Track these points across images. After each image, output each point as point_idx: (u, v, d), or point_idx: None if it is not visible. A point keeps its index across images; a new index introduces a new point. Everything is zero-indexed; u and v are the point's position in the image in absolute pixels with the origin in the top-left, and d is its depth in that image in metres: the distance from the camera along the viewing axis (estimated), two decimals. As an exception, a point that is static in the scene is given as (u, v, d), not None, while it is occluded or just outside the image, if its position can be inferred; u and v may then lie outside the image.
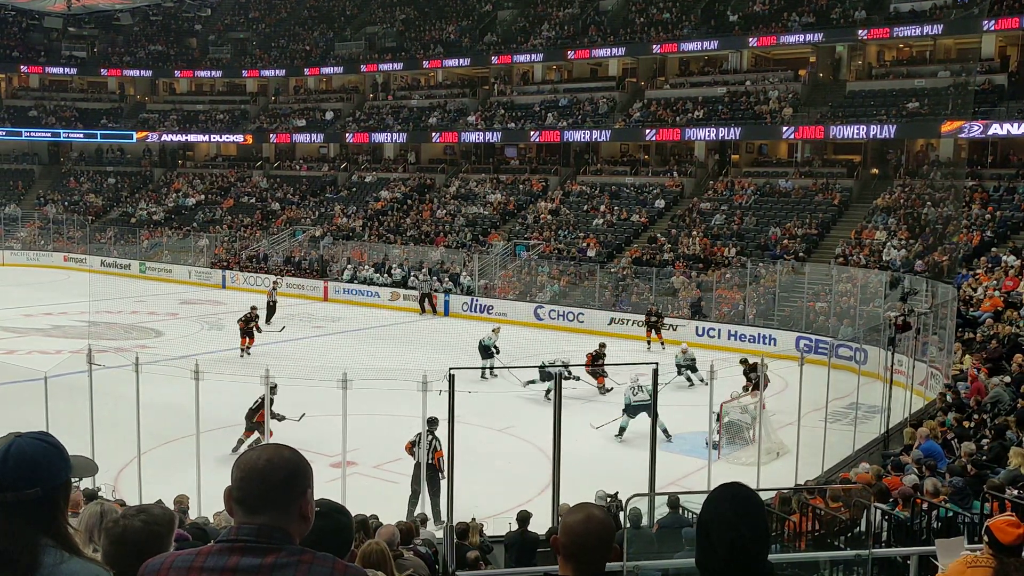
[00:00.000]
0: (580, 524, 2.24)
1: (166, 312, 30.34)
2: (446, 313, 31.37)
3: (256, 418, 14.56)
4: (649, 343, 25.73)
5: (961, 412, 14.23)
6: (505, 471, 14.50)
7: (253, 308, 24.49)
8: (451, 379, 9.55)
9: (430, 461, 11.77)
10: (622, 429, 16.58)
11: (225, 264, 38.20)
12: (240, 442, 14.62)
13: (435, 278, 32.18)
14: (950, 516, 7.50)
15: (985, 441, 12.22)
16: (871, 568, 5.01)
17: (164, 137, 51.09)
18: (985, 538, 3.59)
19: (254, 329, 24.05)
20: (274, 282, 31.35)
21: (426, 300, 31.24)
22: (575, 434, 15.37)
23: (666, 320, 26.41)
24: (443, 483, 10.59)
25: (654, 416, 12.13)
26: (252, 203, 44.82)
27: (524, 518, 9.61)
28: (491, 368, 20.25)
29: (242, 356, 23.13)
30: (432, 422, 11.51)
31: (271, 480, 2.03)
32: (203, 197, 46.88)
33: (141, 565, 2.13)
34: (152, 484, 11.78)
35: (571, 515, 2.26)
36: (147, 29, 55.67)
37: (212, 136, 50.44)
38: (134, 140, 51.50)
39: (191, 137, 51.05)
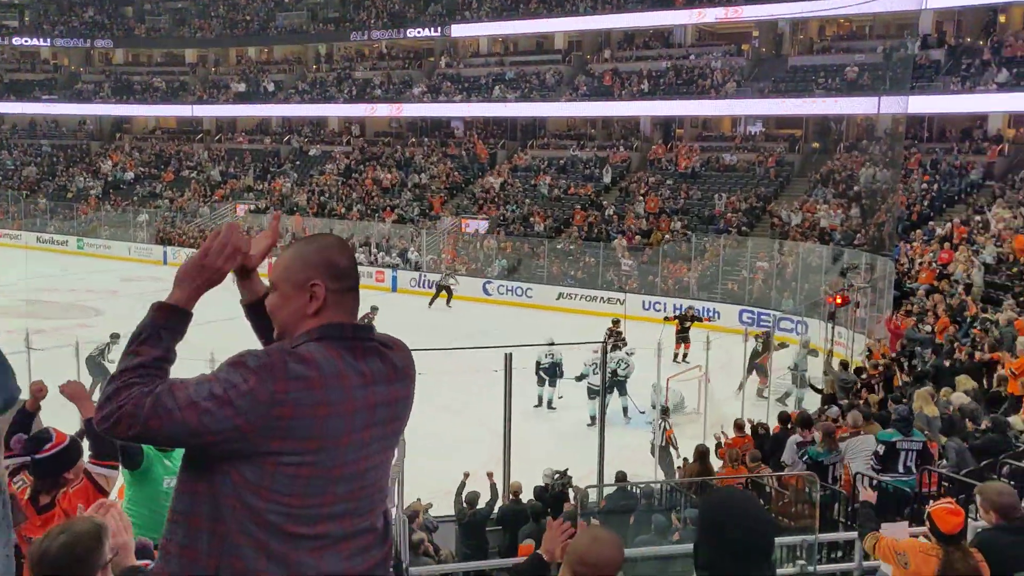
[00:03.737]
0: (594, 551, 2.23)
1: (106, 290, 29.72)
2: (393, 289, 31.22)
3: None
4: (676, 355, 20.50)
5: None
6: (454, 448, 14.54)
7: (374, 308, 21.84)
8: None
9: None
10: (593, 417, 16.27)
11: (167, 240, 37.50)
12: None
13: (453, 273, 29.22)
14: (890, 442, 7.64)
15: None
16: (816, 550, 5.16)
17: (100, 109, 49.77)
18: (927, 525, 3.72)
19: None
20: None
21: (445, 292, 28.07)
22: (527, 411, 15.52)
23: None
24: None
25: (602, 394, 12.25)
26: (193, 177, 43.99)
27: (472, 500, 9.68)
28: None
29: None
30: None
31: (344, 250, 2.15)
32: (142, 171, 45.88)
33: None
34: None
35: (580, 538, 2.25)
36: (81, -3, 54.09)
37: (150, 108, 49.27)
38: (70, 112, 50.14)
39: (128, 109, 49.80)
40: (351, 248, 2.15)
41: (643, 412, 16.11)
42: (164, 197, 42.24)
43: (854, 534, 5.66)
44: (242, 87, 47.03)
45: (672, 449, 13.43)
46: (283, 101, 45.65)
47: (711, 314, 25.19)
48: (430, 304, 27.52)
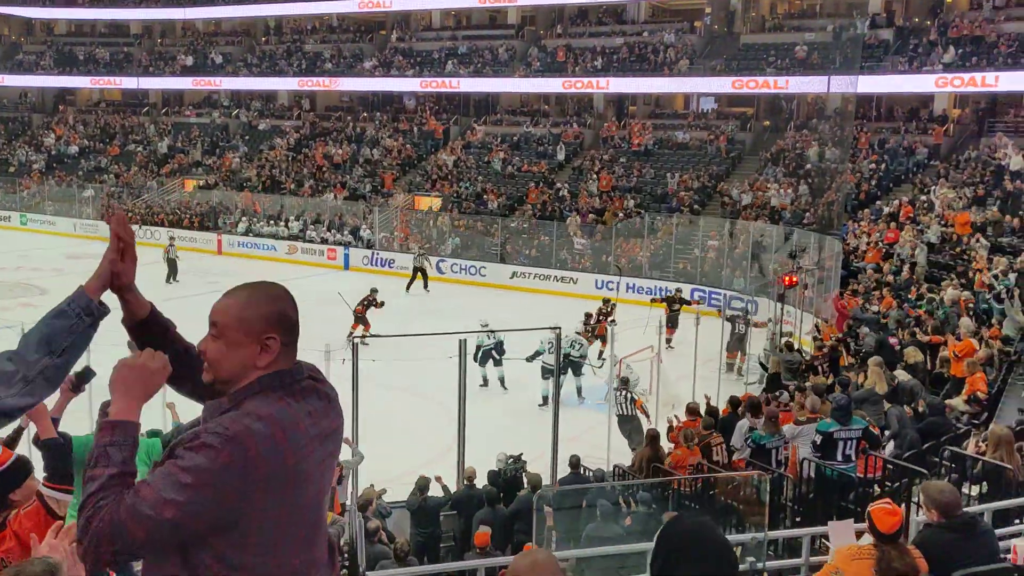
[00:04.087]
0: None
1: (51, 268, 29.06)
2: (346, 268, 31.01)
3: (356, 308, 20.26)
4: (669, 340, 19.45)
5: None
6: (407, 431, 14.55)
7: (374, 291, 21.70)
8: (355, 348, 9.50)
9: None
10: (545, 397, 16.37)
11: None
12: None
13: (425, 255, 28.52)
14: (827, 432, 7.84)
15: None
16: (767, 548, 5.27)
17: (42, 80, 48.48)
18: (866, 523, 3.82)
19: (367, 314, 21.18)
20: (171, 238, 30.07)
21: (421, 275, 27.15)
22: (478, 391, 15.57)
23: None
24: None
25: (556, 376, 12.33)
26: (139, 151, 43.12)
27: (423, 485, 9.70)
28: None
29: (363, 343, 20.09)
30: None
31: (293, 302, 2.14)
32: (87, 144, 44.87)
33: None
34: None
35: (519, 561, 2.25)
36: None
37: (94, 79, 48.08)
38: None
39: (72, 80, 48.56)
40: (271, 285, 2.18)
41: (602, 402, 16.24)
42: (110, 172, 41.36)
43: (802, 531, 5.80)
44: (189, 60, 46.10)
45: (644, 417, 13.74)
46: (232, 74, 44.84)
47: (664, 293, 25.42)
48: (408, 288, 26.59)
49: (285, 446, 1.96)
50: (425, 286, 26.83)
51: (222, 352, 2.10)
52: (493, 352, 17.30)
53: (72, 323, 2.11)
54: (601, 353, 18.33)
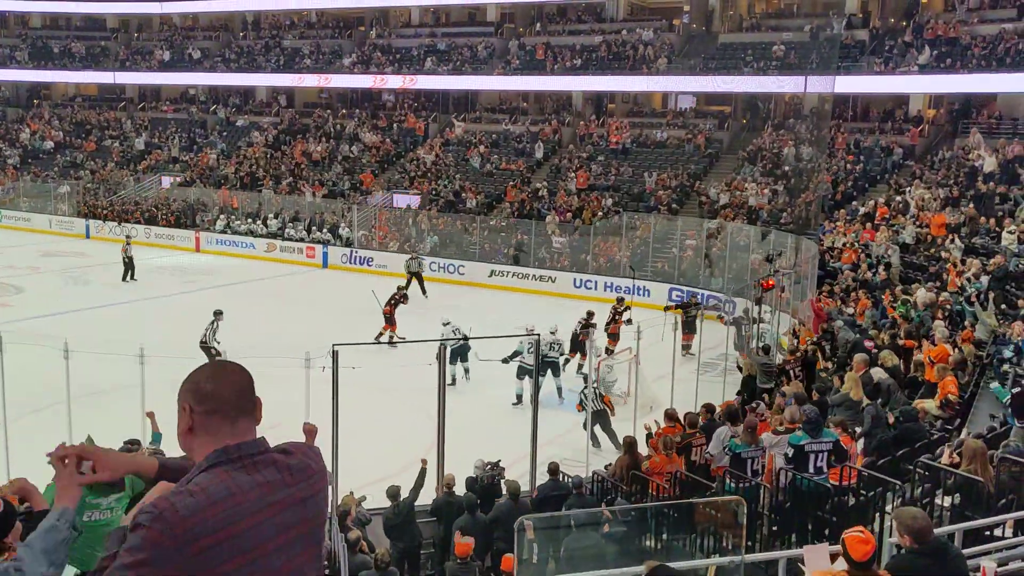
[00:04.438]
0: None
1: (26, 266, 28.85)
2: (324, 265, 30.93)
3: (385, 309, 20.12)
4: (687, 347, 19.22)
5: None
6: (387, 433, 14.57)
7: (400, 289, 21.96)
8: (335, 355, 9.52)
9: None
10: (519, 396, 16.56)
11: (90, 213, 36.45)
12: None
13: (419, 258, 27.25)
14: (798, 445, 7.95)
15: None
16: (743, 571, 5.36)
17: (17, 74, 47.95)
18: (840, 549, 3.91)
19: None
20: (127, 236, 29.73)
21: (416, 280, 26.05)
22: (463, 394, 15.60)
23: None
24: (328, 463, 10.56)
25: (535, 381, 12.38)
26: (115, 146, 42.78)
27: (394, 494, 9.74)
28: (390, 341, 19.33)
29: (392, 344, 19.18)
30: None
31: (240, 385, 2.17)
32: (62, 139, 44.44)
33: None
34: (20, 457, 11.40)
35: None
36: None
37: (70, 73, 47.61)
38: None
39: (47, 75, 48.05)
40: (232, 374, 2.20)
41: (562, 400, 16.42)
42: (86, 168, 41.00)
43: (779, 553, 5.89)
44: (167, 54, 45.74)
45: (609, 413, 14.24)
46: (209, 69, 44.54)
47: (643, 293, 25.56)
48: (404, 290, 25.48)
49: (218, 519, 1.99)
50: (423, 291, 25.58)
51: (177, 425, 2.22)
52: (456, 351, 17.44)
53: (64, 536, 2.30)
54: (611, 351, 18.51)
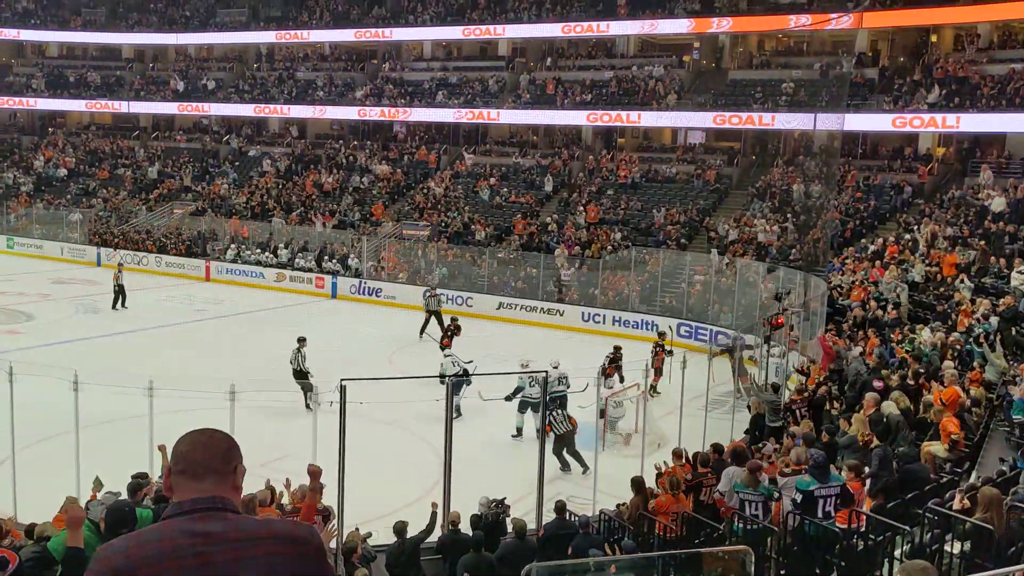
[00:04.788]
0: None
1: (37, 293, 29.00)
2: (333, 296, 31.01)
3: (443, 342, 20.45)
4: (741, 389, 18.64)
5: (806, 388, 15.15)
6: (393, 468, 14.54)
7: (455, 320, 22.02)
8: (342, 390, 9.52)
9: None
10: (519, 429, 16.64)
11: (101, 241, 36.67)
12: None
13: (440, 295, 25.99)
14: (807, 491, 7.91)
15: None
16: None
17: (33, 102, 48.47)
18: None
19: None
20: (119, 264, 29.86)
21: (435, 319, 24.70)
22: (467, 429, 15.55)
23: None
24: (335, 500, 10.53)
25: (543, 416, 12.34)
26: (128, 175, 43.10)
27: (400, 529, 9.69)
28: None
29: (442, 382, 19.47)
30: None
31: (212, 449, 2.32)
32: (76, 167, 44.81)
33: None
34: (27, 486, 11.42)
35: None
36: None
37: (85, 102, 48.11)
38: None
39: (62, 103, 48.57)
40: (208, 440, 2.36)
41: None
42: (98, 196, 41.30)
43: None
44: (181, 85, 46.22)
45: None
46: (223, 100, 44.95)
47: (650, 327, 25.54)
48: (421, 334, 24.37)
49: (138, 557, 2.16)
50: (442, 329, 23.70)
51: None
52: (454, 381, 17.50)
53: None
54: (655, 387, 18.67)
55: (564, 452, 14.91)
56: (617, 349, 19.85)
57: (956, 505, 7.34)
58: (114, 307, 26.79)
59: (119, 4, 51.59)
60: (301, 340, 18.22)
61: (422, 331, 24.41)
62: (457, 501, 10.89)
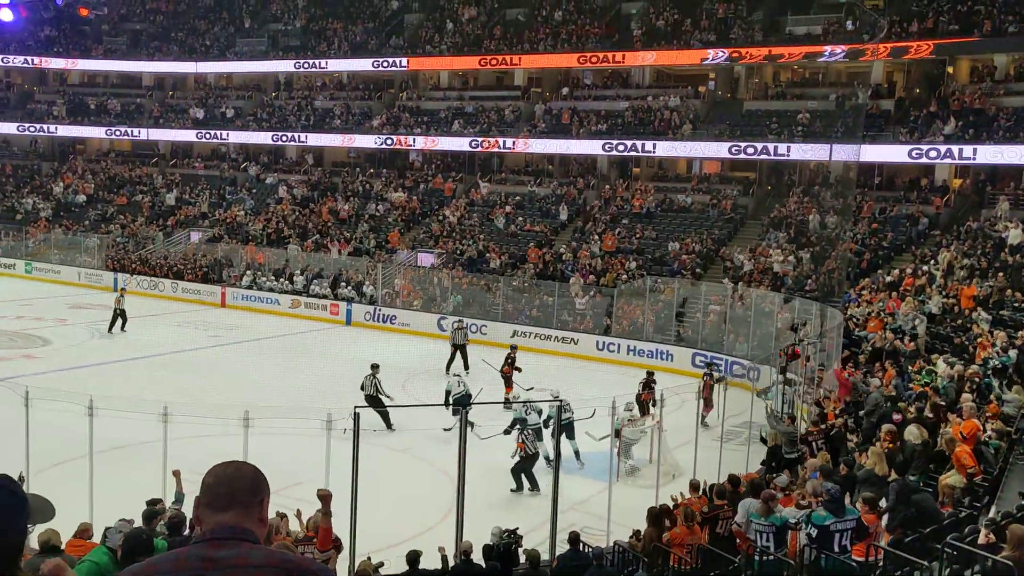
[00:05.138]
0: None
1: (54, 318, 29.17)
2: (348, 323, 31.07)
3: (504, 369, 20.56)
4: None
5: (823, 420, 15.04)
6: (406, 496, 14.49)
7: (514, 348, 21.91)
8: (356, 417, 9.52)
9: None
10: (547, 458, 16.64)
11: (118, 266, 36.92)
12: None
13: (466, 328, 25.20)
14: (823, 526, 7.82)
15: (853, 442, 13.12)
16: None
17: (53, 129, 49.06)
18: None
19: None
20: (121, 288, 30.27)
21: (460, 354, 24.11)
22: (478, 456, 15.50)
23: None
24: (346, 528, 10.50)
25: (556, 448, 12.28)
26: (146, 201, 43.46)
27: (413, 559, 9.62)
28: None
29: (508, 407, 18.56)
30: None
31: (238, 482, 2.38)
32: (94, 192, 45.24)
33: None
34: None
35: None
36: (38, 16, 53.31)
37: (105, 129, 48.64)
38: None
39: (82, 130, 49.14)
40: (235, 473, 2.42)
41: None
42: (116, 221, 41.63)
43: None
44: (200, 112, 46.68)
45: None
46: (241, 128, 45.37)
47: (665, 357, 25.47)
48: (448, 368, 23.58)
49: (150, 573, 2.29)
50: (465, 365, 23.70)
51: None
52: (457, 401, 17.83)
53: None
54: (705, 418, 18.71)
55: (521, 472, 15.04)
56: (650, 374, 19.91)
57: (981, 540, 7.24)
58: (110, 330, 27.05)
59: (140, 33, 52.33)
60: (375, 367, 18.59)
61: (448, 367, 23.61)
62: (470, 530, 10.83)
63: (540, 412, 16.62)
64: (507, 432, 16.42)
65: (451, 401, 17.96)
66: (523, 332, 28.39)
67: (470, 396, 17.88)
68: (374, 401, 17.94)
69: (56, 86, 52.51)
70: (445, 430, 16.81)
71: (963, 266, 23.79)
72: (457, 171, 41.20)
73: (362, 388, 18.31)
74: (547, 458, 16.40)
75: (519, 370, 20.92)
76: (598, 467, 15.89)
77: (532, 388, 19.02)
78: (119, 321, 27.24)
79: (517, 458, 15.24)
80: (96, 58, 50.60)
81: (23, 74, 52.64)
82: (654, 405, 18.53)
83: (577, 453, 16.91)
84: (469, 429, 14.92)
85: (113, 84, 51.98)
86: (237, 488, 2.37)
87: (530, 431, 15.22)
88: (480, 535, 10.86)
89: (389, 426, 17.86)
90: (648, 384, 19.35)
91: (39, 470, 12.39)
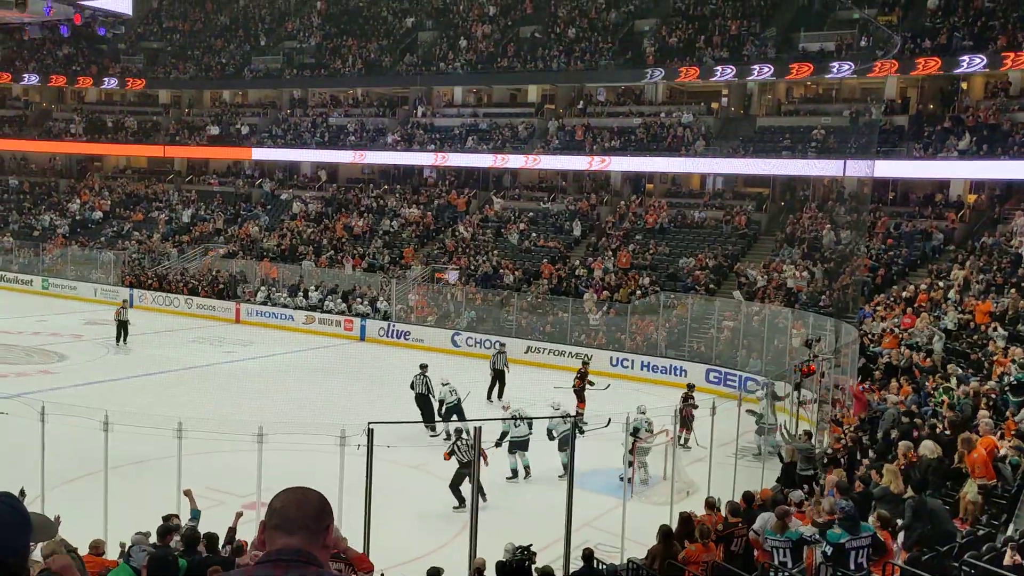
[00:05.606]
0: None
1: (70, 334, 29.34)
2: (362, 338, 31.14)
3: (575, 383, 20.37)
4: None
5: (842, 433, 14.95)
6: (419, 512, 14.48)
7: (586, 363, 21.90)
8: (370, 433, 9.53)
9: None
10: (515, 470, 16.71)
11: (134, 282, 37.14)
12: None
13: (505, 352, 24.31)
14: (838, 543, 7.77)
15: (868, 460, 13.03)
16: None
17: (71, 147, 49.50)
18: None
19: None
20: (124, 300, 30.79)
21: (498, 381, 23.18)
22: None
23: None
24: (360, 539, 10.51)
25: (571, 467, 12.25)
26: (163, 218, 43.75)
27: (435, 574, 9.61)
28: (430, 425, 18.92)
29: (580, 427, 17.00)
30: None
31: (305, 508, 2.43)
32: (111, 209, 45.59)
33: None
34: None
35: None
36: (56, 35, 53.80)
37: (121, 147, 49.05)
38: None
39: (99, 148, 49.57)
40: (303, 498, 2.47)
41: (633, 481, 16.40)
42: (132, 238, 41.91)
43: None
44: (215, 129, 47.03)
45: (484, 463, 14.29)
46: (256, 144, 45.65)
47: (679, 373, 25.40)
48: (489, 395, 22.77)
49: None
50: (499, 393, 22.61)
51: None
52: (451, 409, 18.33)
53: None
54: (686, 441, 18.70)
55: (459, 485, 14.52)
56: (691, 387, 20.10)
57: (1007, 560, 7.18)
58: (117, 342, 27.61)
59: (158, 52, 52.82)
60: (424, 366, 19.30)
61: (490, 394, 22.79)
62: (483, 547, 10.82)
63: (531, 424, 16.61)
64: (498, 444, 16.29)
65: (443, 412, 18.51)
66: (537, 348, 28.40)
67: (459, 404, 18.53)
68: (423, 400, 18.65)
69: (74, 104, 52.99)
70: (431, 436, 17.64)
71: (979, 281, 23.67)
72: (471, 187, 41.32)
73: (412, 387, 18.92)
74: (514, 470, 16.63)
75: (592, 384, 20.94)
76: (613, 483, 15.85)
77: (469, 393, 19.32)
78: (123, 334, 27.71)
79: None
80: (114, 76, 50.88)
81: (42, 93, 53.16)
82: (691, 419, 18.68)
83: (565, 465, 16.91)
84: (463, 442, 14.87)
85: (130, 102, 52.45)
86: (304, 513, 2.42)
87: (462, 444, 14.51)
88: (493, 552, 10.84)
89: (432, 426, 18.28)
90: (687, 398, 19.44)
91: (53, 485, 12.46)
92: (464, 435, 14.63)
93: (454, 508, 14.47)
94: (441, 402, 18.57)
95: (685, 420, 18.43)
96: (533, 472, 16.79)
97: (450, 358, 27.41)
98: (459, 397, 18.67)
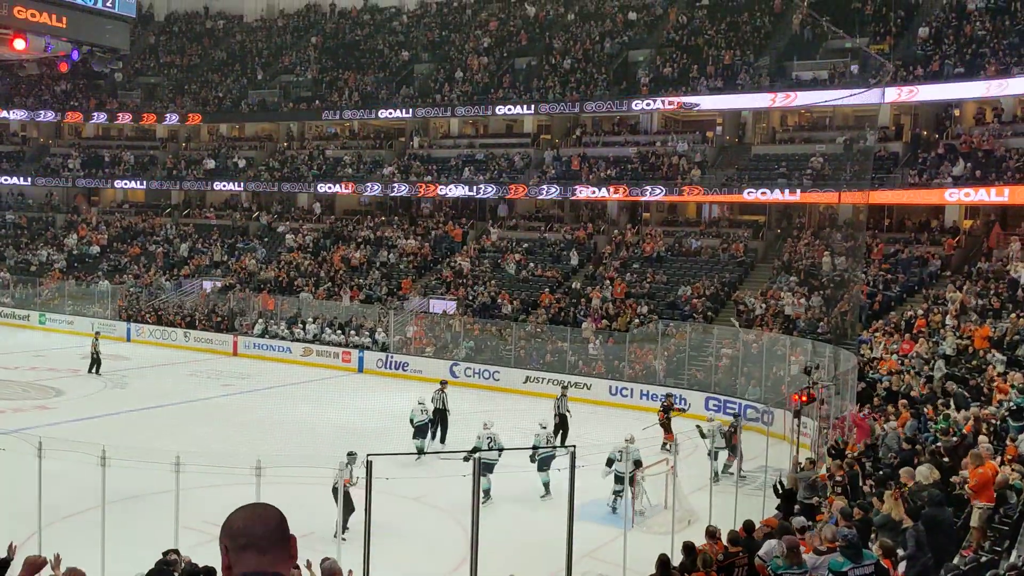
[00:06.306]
0: None
1: (67, 368, 29.27)
2: (360, 370, 31.07)
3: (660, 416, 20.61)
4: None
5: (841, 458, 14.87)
6: (419, 545, 14.38)
7: (669, 396, 21.98)
8: (368, 465, 9.50)
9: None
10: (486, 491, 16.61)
11: (131, 316, 37.09)
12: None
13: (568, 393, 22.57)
14: (843, 572, 7.71)
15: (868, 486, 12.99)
16: None
17: (68, 182, 49.63)
18: None
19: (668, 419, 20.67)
20: (96, 333, 30.95)
21: (561, 429, 20.97)
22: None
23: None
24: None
25: (571, 495, 12.18)
26: (160, 251, 43.78)
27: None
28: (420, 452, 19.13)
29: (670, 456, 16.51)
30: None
31: (269, 522, 2.37)
32: (108, 244, 45.63)
33: None
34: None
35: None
36: (54, 71, 54.07)
37: (119, 182, 49.19)
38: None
39: (97, 182, 49.70)
40: (262, 512, 2.42)
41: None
42: (129, 272, 41.92)
43: None
44: (212, 163, 47.18)
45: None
46: (253, 178, 45.80)
47: (677, 401, 25.30)
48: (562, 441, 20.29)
49: None
50: (563, 441, 19.87)
51: None
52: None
53: None
54: (666, 444, 18.91)
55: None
56: (668, 396, 20.59)
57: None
58: (89, 372, 28.19)
59: (155, 87, 53.08)
60: (444, 383, 21.31)
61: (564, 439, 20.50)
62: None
63: (501, 449, 16.56)
64: (466, 459, 16.06)
65: (414, 427, 19.40)
66: (536, 378, 28.33)
67: (445, 411, 20.41)
68: (440, 415, 20.14)
69: (71, 139, 53.20)
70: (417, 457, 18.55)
71: (975, 307, 23.70)
72: (468, 217, 41.42)
73: (432, 401, 20.27)
74: (486, 491, 16.30)
75: (682, 411, 21.83)
76: (608, 511, 15.79)
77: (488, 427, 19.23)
78: (95, 364, 28.34)
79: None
80: (111, 111, 51.12)
81: (40, 128, 53.37)
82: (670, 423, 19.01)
83: (546, 485, 17.12)
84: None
85: (127, 136, 52.65)
86: (270, 528, 2.37)
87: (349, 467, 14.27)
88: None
89: (443, 439, 20.17)
90: (668, 407, 19.77)
91: (50, 522, 12.37)
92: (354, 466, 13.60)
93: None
94: (475, 448, 17.63)
95: (734, 447, 18.33)
96: (538, 499, 16.78)
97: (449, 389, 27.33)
98: (428, 417, 19.89)
